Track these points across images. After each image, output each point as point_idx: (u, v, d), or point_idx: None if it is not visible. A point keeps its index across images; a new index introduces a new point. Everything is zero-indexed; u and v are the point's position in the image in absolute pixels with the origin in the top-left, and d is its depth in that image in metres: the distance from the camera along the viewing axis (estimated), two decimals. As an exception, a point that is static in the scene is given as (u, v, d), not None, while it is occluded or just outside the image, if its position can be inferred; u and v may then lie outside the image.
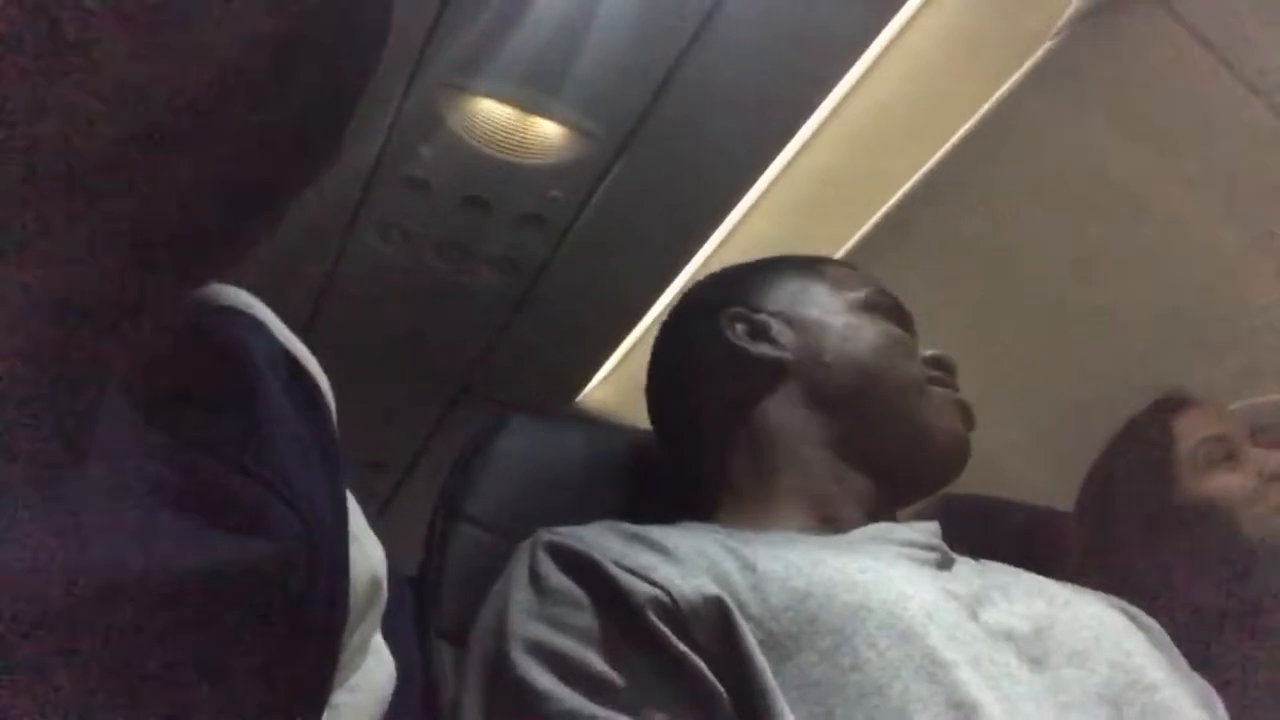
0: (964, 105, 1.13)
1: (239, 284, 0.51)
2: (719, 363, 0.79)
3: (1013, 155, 1.13)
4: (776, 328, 0.79)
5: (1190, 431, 0.99)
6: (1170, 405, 1.03)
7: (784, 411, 0.76)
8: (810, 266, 0.86)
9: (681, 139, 1.31)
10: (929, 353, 0.81)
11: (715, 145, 1.33)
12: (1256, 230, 1.09)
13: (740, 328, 0.80)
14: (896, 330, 0.80)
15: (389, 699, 0.51)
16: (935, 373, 0.79)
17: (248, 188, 0.40)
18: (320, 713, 0.45)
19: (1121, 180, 1.11)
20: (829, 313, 0.80)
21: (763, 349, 0.78)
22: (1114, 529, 0.99)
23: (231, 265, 0.44)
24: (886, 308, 0.81)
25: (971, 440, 0.78)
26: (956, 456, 0.77)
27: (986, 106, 1.10)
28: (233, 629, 0.39)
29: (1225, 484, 0.94)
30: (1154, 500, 0.97)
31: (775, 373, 0.77)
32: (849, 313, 0.80)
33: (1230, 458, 0.96)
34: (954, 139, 1.15)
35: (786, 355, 0.78)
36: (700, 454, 0.80)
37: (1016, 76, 1.08)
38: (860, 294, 0.81)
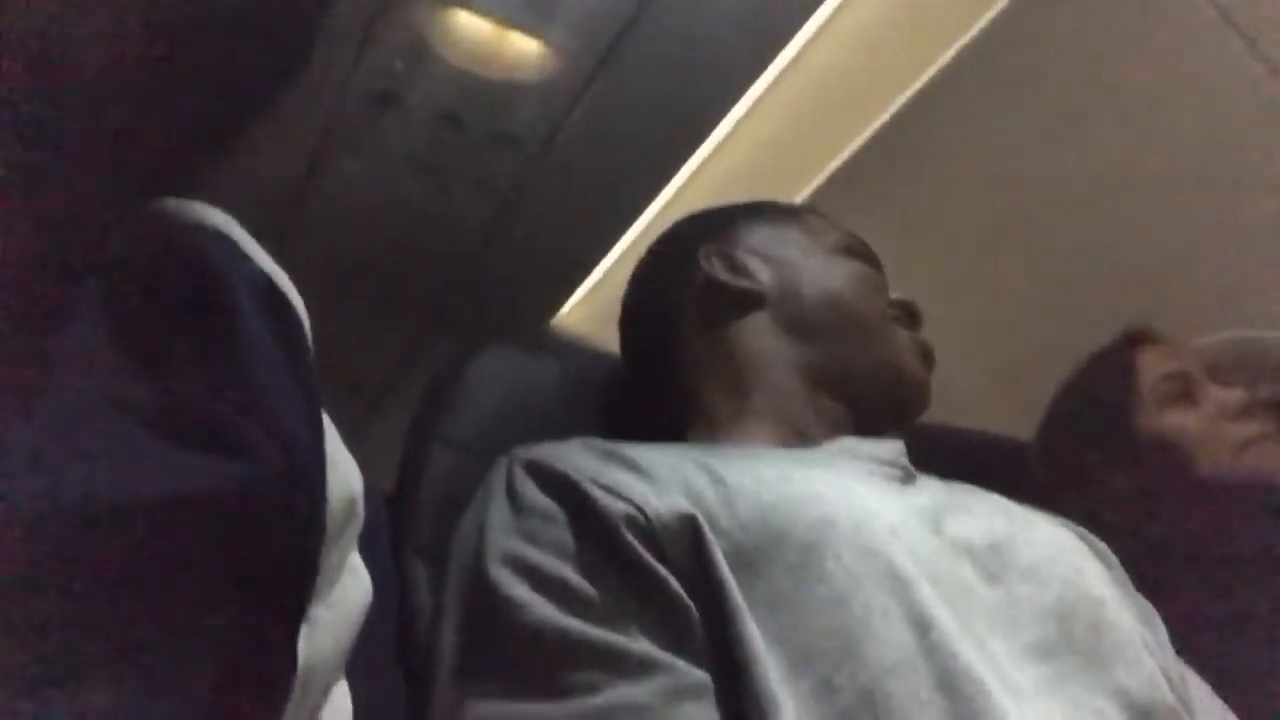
0: (954, 25, 1.12)
1: (208, 202, 0.50)
2: (697, 295, 0.81)
3: (1000, 77, 1.12)
4: (754, 264, 0.81)
5: (1151, 367, 1.00)
6: (1133, 339, 1.04)
7: (758, 338, 0.78)
8: (787, 211, 0.89)
9: (661, 58, 1.29)
10: (897, 296, 0.83)
11: (696, 65, 1.30)
12: (1239, 151, 1.09)
13: (718, 262, 0.81)
14: (870, 270, 0.83)
15: (365, 614, 0.52)
16: (902, 315, 0.82)
17: (220, 88, 0.39)
18: (298, 627, 0.46)
19: (1115, 99, 1.10)
20: (805, 253, 0.82)
21: (741, 282, 0.80)
22: (1072, 459, 1.01)
23: (202, 167, 0.43)
24: (859, 252, 0.84)
25: (938, 370, 0.81)
26: (918, 396, 0.79)
27: (974, 28, 1.09)
28: (210, 550, 0.40)
29: (1181, 421, 0.96)
30: (1112, 432, 0.99)
31: (751, 303, 0.79)
32: (824, 254, 0.82)
33: (1187, 395, 0.97)
34: (939, 62, 1.14)
35: (763, 288, 0.80)
36: (674, 381, 0.81)
37: (994, 9, 1.07)
38: (834, 238, 0.84)
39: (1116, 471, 0.96)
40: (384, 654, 0.58)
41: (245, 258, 0.48)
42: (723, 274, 0.80)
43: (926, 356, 0.81)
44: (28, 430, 0.36)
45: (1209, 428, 0.94)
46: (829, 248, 0.83)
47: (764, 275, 0.80)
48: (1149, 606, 0.71)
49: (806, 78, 1.30)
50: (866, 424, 0.77)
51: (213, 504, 0.40)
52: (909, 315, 0.82)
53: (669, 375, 0.81)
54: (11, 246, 0.38)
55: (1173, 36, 1.03)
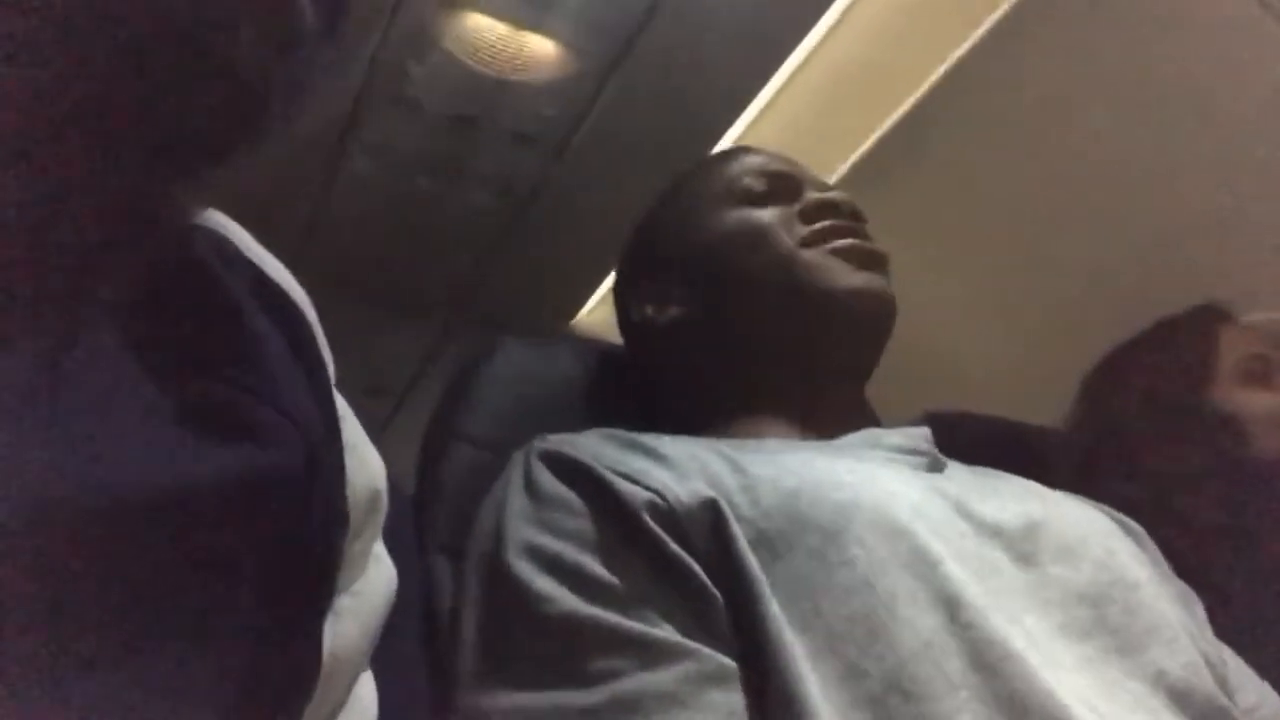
0: (970, 16, 1.11)
1: (228, 211, 0.51)
2: (648, 340, 0.82)
3: (1008, 77, 1.12)
4: (676, 287, 0.80)
5: (1236, 345, 0.98)
6: (1214, 315, 1.01)
7: (716, 353, 0.77)
8: (683, 188, 0.85)
9: (676, 56, 1.29)
10: (809, 200, 0.77)
11: (710, 62, 1.30)
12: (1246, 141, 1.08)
13: (649, 307, 0.81)
14: (751, 214, 0.77)
15: (390, 603, 0.52)
16: (815, 226, 0.75)
17: (240, 88, 0.40)
18: (324, 616, 0.46)
19: (1120, 90, 1.09)
20: (703, 232, 0.79)
21: (670, 314, 0.79)
22: (1125, 433, 0.98)
23: (221, 169, 0.44)
24: (748, 191, 0.78)
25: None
26: (858, 309, 0.73)
27: (996, 14, 1.08)
28: (237, 539, 0.40)
29: (1255, 401, 0.93)
30: (1185, 401, 0.96)
31: (689, 328, 0.78)
32: (717, 221, 0.78)
33: (1266, 377, 0.95)
34: (956, 53, 1.13)
35: (690, 308, 0.78)
36: (676, 393, 0.81)
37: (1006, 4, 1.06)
38: (723, 189, 0.80)
39: (1176, 446, 0.94)
40: (408, 646, 0.59)
41: (239, 255, 0.48)
42: (655, 317, 0.80)
43: (860, 255, 0.73)
44: (48, 427, 0.37)
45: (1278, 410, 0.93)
46: (721, 208, 0.78)
47: (688, 289, 0.79)
48: (1188, 590, 0.70)
49: (823, 71, 1.30)
50: (845, 379, 0.75)
51: (232, 491, 0.40)
52: (825, 215, 0.75)
53: (669, 390, 0.82)
54: (22, 248, 0.39)
55: (1203, 20, 1.02)
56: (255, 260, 0.49)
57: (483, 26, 1.27)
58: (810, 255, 0.73)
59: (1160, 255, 1.17)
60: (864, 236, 0.75)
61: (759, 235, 0.75)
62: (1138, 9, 1.03)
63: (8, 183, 0.38)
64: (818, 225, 0.75)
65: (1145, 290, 1.06)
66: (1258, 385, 0.95)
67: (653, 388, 0.84)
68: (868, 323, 0.74)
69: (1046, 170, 1.19)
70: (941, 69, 1.15)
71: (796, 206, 0.77)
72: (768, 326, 0.74)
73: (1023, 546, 0.62)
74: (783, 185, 0.79)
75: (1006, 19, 1.07)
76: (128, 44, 0.37)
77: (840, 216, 0.75)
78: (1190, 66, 1.06)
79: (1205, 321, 1.01)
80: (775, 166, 0.81)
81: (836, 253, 0.73)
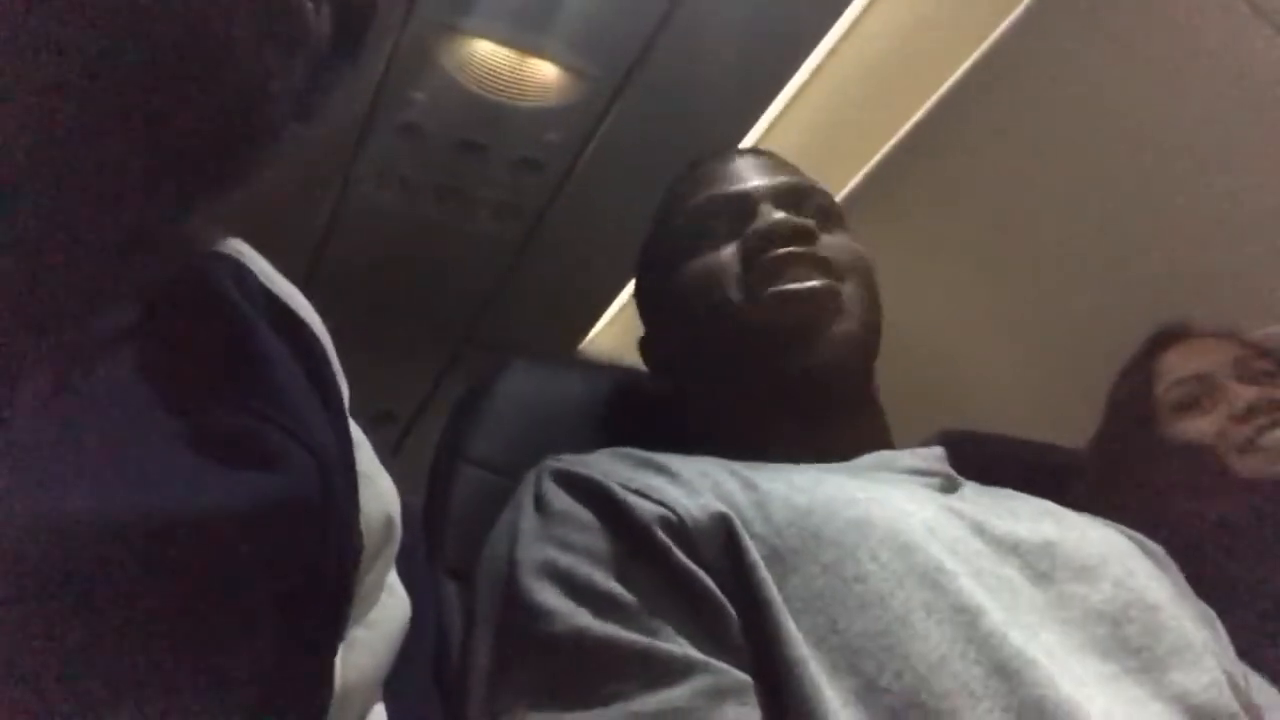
0: (971, 35, 1.11)
1: (238, 237, 0.51)
2: (653, 363, 0.84)
3: (1017, 89, 1.12)
4: (659, 346, 0.82)
5: (1168, 372, 0.99)
6: (1158, 342, 1.03)
7: (702, 395, 0.78)
8: (662, 219, 0.83)
9: (679, 78, 1.30)
10: (748, 233, 0.73)
11: (714, 84, 1.31)
12: (1260, 158, 1.07)
13: (649, 336, 0.84)
14: (707, 263, 0.74)
15: (404, 633, 0.52)
16: (758, 267, 0.71)
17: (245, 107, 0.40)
18: (336, 647, 0.46)
19: (1127, 109, 1.09)
20: (666, 290, 0.78)
21: (661, 372, 0.82)
22: (1116, 462, 1.00)
23: (231, 190, 0.44)
24: (706, 232, 0.76)
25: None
26: (812, 356, 0.69)
27: (996, 32, 1.09)
28: (251, 566, 0.40)
29: (1195, 427, 0.94)
30: (1140, 439, 0.98)
31: (679, 369, 0.80)
32: (677, 274, 0.76)
33: (1203, 398, 0.95)
34: (959, 71, 1.13)
35: (673, 361, 0.80)
36: (687, 418, 0.81)
37: (1024, 5, 1.06)
38: (684, 233, 0.77)
39: (1151, 475, 0.95)
40: (422, 675, 0.58)
41: (254, 280, 0.48)
42: (656, 374, 0.83)
43: (792, 300, 0.69)
44: (63, 453, 0.37)
45: (1221, 429, 0.93)
46: (676, 253, 0.77)
47: (668, 344, 0.80)
48: (1210, 611, 0.69)
49: (827, 90, 1.30)
50: (823, 411, 0.72)
51: (246, 519, 0.40)
52: (763, 246, 0.71)
53: (681, 413, 0.82)
54: (35, 272, 0.39)
55: (1205, 25, 1.01)
56: (271, 287, 0.49)
57: (487, 53, 1.28)
58: (753, 313, 0.71)
59: (1179, 269, 1.16)
60: (802, 267, 0.71)
61: (706, 293, 0.73)
62: (1147, 14, 1.03)
63: (18, 206, 0.38)
64: (758, 267, 0.71)
65: (1164, 305, 1.06)
66: (1192, 411, 0.95)
67: (663, 407, 0.84)
68: (818, 370, 0.70)
69: (1059, 183, 1.18)
70: (949, 83, 1.15)
71: (740, 241, 0.74)
72: (735, 382, 0.74)
73: (1040, 564, 0.61)
74: (739, 211, 0.76)
75: (1012, 31, 1.07)
76: (133, 65, 0.37)
77: (779, 244, 0.71)
78: (1204, 71, 1.05)
79: (1147, 352, 1.02)
80: (732, 188, 0.77)
81: (773, 301, 0.70)
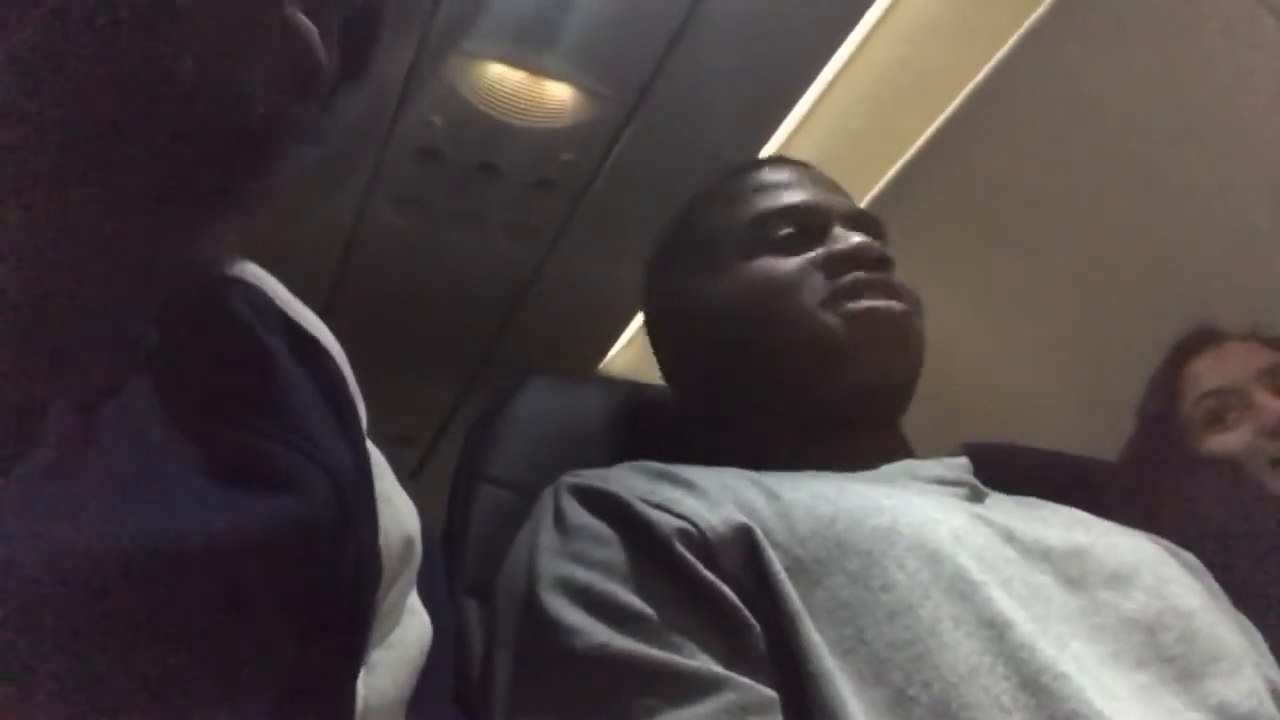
0: (987, 41, 1.11)
1: (255, 262, 0.51)
2: (678, 378, 0.83)
3: (1043, 91, 1.11)
4: (697, 352, 0.80)
5: (1195, 384, 0.97)
6: (1185, 351, 1.01)
7: (737, 400, 0.76)
8: (704, 220, 0.82)
9: (694, 97, 1.30)
10: (837, 249, 0.73)
11: (728, 101, 1.31)
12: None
13: (679, 379, 0.82)
14: (776, 268, 0.74)
15: (425, 655, 0.51)
16: (837, 284, 0.71)
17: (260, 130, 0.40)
18: (357, 670, 0.45)
19: (1151, 113, 1.08)
20: (722, 290, 0.76)
21: (693, 360, 0.80)
22: (1146, 477, 0.98)
23: (245, 214, 0.44)
24: (771, 238, 0.75)
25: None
26: (880, 377, 0.70)
27: (1007, 47, 1.08)
28: (270, 589, 0.40)
29: (1225, 442, 0.93)
30: (1168, 454, 0.97)
31: (713, 374, 0.78)
32: (737, 273, 0.75)
33: (1231, 411, 0.94)
34: (973, 82, 1.13)
35: (711, 357, 0.78)
36: (708, 429, 0.81)
37: (1035, 16, 1.06)
38: (743, 233, 0.76)
39: (1182, 487, 0.93)
40: (444, 696, 0.57)
41: (271, 305, 0.48)
42: (686, 380, 0.81)
43: (875, 319, 0.70)
44: (82, 479, 0.37)
45: (1250, 444, 0.91)
46: (733, 258, 0.76)
47: (708, 340, 0.78)
48: (1247, 622, 0.68)
49: (842, 103, 1.30)
50: (873, 425, 0.73)
51: (265, 543, 0.39)
52: (847, 268, 0.71)
53: (700, 427, 0.81)
54: (55, 297, 0.39)
55: (1232, 30, 1.00)
56: (288, 310, 0.49)
57: (501, 75, 1.29)
58: (829, 319, 0.70)
59: (1208, 274, 1.14)
60: (888, 291, 0.72)
61: (778, 296, 0.72)
62: (1167, 16, 1.02)
63: (37, 233, 0.38)
64: (840, 282, 0.71)
65: (1194, 312, 1.04)
66: (1219, 427, 0.94)
67: (683, 422, 0.83)
68: (883, 389, 0.72)
69: (1082, 190, 1.17)
70: (971, 86, 1.14)
71: (820, 252, 0.73)
72: (785, 387, 0.73)
73: (1071, 571, 0.60)
74: (810, 222, 0.75)
75: (1033, 33, 1.06)
76: (146, 90, 0.37)
77: (865, 267, 0.72)
78: (1232, 76, 1.04)
79: (1171, 363, 1.01)
80: (801, 198, 0.77)
81: (856, 317, 0.70)
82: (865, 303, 0.70)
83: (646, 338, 0.88)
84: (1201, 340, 1.01)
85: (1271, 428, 0.91)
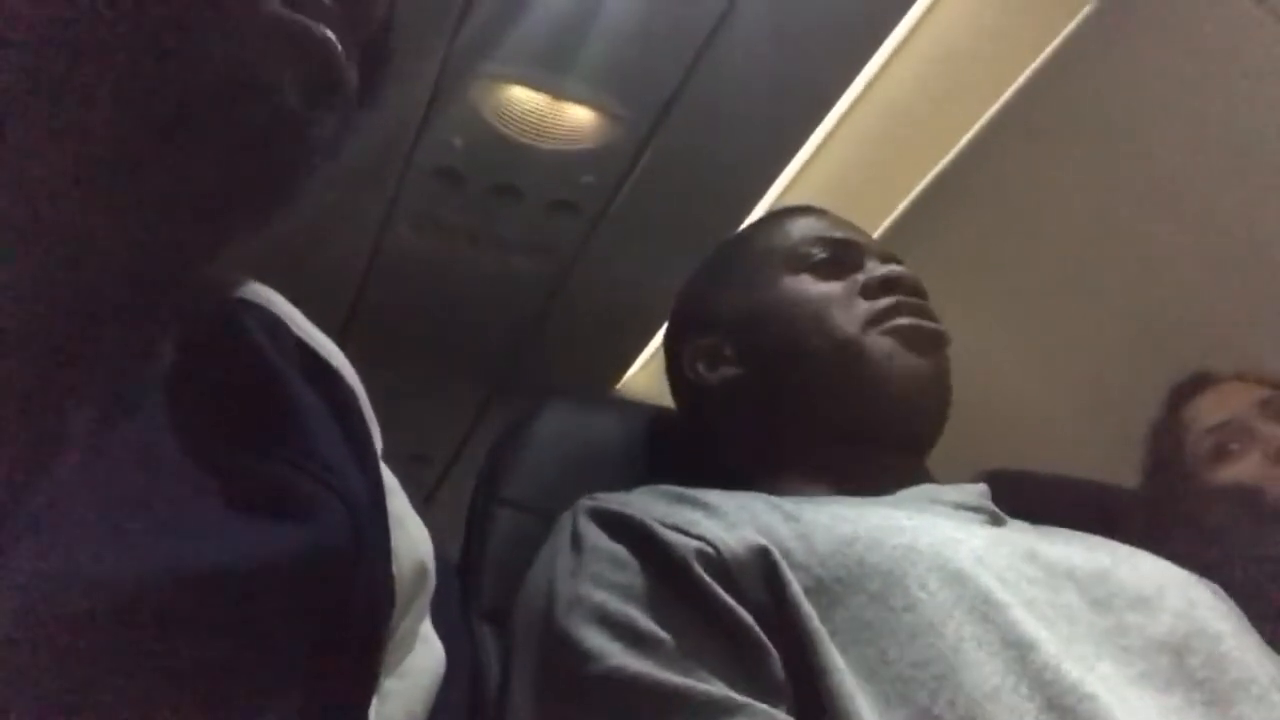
0: (1010, 65, 1.11)
1: (275, 284, 0.51)
2: (698, 397, 0.81)
3: (1069, 111, 1.10)
4: (728, 347, 0.79)
5: (1195, 423, 0.99)
6: (1180, 395, 1.03)
7: (768, 416, 0.76)
8: (741, 247, 0.85)
9: (714, 119, 1.30)
10: (876, 274, 0.75)
11: (748, 125, 1.31)
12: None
13: (700, 364, 0.80)
14: (812, 287, 0.76)
15: (438, 684, 0.51)
16: (877, 305, 0.73)
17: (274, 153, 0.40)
18: (369, 699, 0.45)
19: (1171, 141, 1.07)
20: (762, 300, 0.78)
21: (722, 373, 0.78)
22: (1163, 512, 0.99)
23: (259, 230, 0.44)
24: (810, 259, 0.77)
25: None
26: (921, 395, 0.72)
27: (1032, 68, 1.08)
28: (285, 617, 0.40)
29: (1234, 473, 0.94)
30: (1180, 490, 0.97)
31: (741, 389, 0.77)
32: (777, 288, 0.77)
33: (1233, 444, 0.95)
34: (996, 104, 1.13)
35: (742, 370, 0.77)
36: (727, 450, 0.80)
37: (1056, 41, 1.06)
38: (783, 254, 0.78)
39: (1200, 517, 0.93)
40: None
41: (285, 330, 0.48)
42: (709, 375, 0.79)
43: (916, 337, 0.72)
44: (95, 504, 0.37)
45: (1261, 470, 0.92)
46: (782, 273, 0.77)
47: (739, 350, 0.78)
48: (1271, 650, 0.67)
49: (867, 122, 1.30)
50: (904, 454, 0.73)
51: (278, 569, 0.39)
52: (890, 291, 0.74)
53: (718, 446, 0.80)
54: (68, 316, 0.39)
55: (1253, 54, 1.00)
56: (302, 335, 0.49)
57: (521, 98, 1.30)
58: (871, 338, 0.72)
59: (1228, 303, 1.13)
60: (925, 314, 0.74)
61: (821, 310, 0.74)
62: (1189, 37, 1.02)
63: (50, 255, 0.38)
64: (880, 304, 0.73)
65: (1213, 338, 1.04)
66: (1228, 459, 0.95)
67: (701, 446, 0.83)
68: (924, 408, 0.73)
69: (1110, 206, 1.16)
70: (995, 107, 1.14)
71: (859, 278, 0.75)
72: (822, 401, 0.73)
73: (1096, 592, 0.60)
74: (845, 254, 0.78)
75: (1059, 54, 1.05)
76: (166, 105, 0.37)
77: (902, 292, 0.74)
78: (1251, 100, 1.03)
79: (1171, 406, 1.02)
80: (838, 233, 0.80)
81: (897, 333, 0.72)
82: (906, 319, 0.72)
83: (663, 360, 0.88)
84: (1196, 383, 1.03)
85: (1277, 453, 0.92)
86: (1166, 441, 1.01)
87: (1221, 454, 0.95)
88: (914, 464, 0.74)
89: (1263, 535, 0.89)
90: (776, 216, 0.88)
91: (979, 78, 1.15)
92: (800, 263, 0.77)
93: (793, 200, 1.41)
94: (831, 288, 0.75)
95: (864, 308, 0.73)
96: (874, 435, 0.72)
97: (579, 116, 1.32)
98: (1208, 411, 0.99)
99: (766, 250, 0.81)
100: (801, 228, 0.81)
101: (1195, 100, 1.06)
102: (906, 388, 0.71)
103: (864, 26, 1.18)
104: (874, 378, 0.71)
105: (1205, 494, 0.94)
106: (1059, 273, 1.22)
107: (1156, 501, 1.00)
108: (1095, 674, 0.53)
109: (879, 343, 0.72)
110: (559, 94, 1.29)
